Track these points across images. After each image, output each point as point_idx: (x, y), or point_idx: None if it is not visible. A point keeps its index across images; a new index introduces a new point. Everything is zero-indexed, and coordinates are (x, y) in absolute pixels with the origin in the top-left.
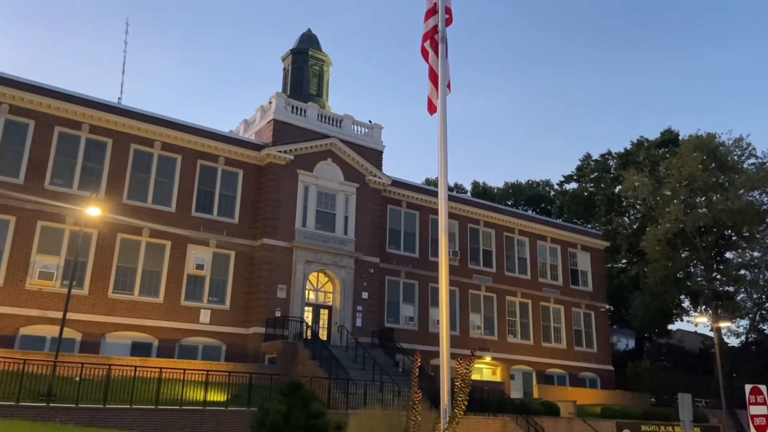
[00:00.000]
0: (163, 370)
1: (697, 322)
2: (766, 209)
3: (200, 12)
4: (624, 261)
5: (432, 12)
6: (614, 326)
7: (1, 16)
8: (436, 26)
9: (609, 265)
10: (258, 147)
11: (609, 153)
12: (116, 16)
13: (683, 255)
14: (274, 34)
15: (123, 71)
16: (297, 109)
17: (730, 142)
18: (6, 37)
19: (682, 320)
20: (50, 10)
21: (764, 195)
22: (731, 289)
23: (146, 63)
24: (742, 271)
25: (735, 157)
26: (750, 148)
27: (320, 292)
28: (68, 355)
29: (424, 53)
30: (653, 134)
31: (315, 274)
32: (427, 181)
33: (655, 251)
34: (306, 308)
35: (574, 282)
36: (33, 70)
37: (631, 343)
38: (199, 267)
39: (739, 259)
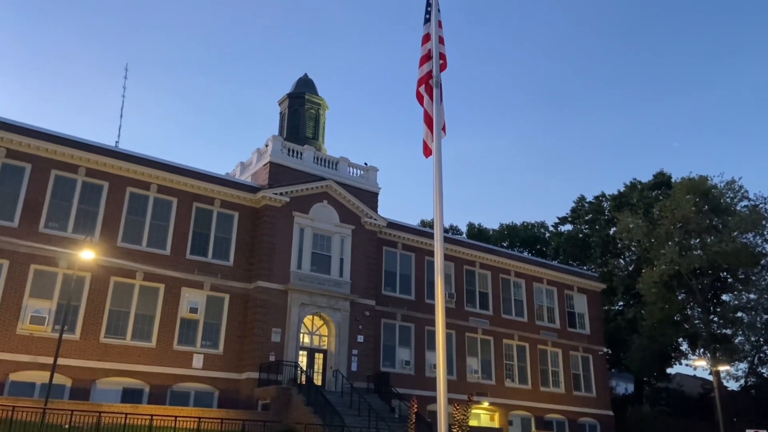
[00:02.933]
0: (154, 417)
1: (696, 366)
2: (761, 251)
3: (197, 56)
4: (621, 303)
5: (426, 58)
6: (613, 370)
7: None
8: (430, 71)
9: (606, 307)
10: (254, 189)
11: (603, 195)
12: (115, 61)
13: (680, 297)
14: (271, 77)
15: (121, 115)
16: (293, 151)
17: (723, 184)
18: (3, 81)
19: (680, 363)
20: (49, 55)
21: (758, 237)
22: (729, 331)
23: (144, 106)
24: (739, 314)
25: (728, 200)
26: (742, 191)
27: (315, 336)
28: (58, 402)
29: (419, 97)
30: (645, 176)
31: (310, 317)
32: (423, 223)
33: (651, 293)
34: (300, 352)
35: (571, 324)
36: (30, 114)
37: (630, 387)
38: (193, 310)
39: (736, 302)
